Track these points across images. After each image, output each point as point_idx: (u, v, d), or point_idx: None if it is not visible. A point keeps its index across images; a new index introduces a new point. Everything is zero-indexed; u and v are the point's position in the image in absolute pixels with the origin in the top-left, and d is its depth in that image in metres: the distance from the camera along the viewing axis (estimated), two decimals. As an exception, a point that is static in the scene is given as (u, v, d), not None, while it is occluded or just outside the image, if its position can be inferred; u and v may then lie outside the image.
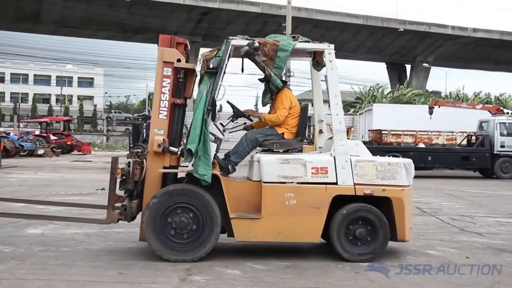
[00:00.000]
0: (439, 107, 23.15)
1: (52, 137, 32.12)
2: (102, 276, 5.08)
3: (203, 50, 55.34)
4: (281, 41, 6.04)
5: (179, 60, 5.90)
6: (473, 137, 21.57)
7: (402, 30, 49.57)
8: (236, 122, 6.47)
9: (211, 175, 5.68)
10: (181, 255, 5.66)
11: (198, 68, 6.28)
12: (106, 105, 72.71)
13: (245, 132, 6.60)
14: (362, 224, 5.94)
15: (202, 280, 5.03)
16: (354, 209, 5.92)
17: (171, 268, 5.45)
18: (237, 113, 6.38)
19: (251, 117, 6.64)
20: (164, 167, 5.85)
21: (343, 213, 5.89)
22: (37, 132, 33.76)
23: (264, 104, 6.86)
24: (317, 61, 6.57)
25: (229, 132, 6.40)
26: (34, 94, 68.61)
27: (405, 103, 40.01)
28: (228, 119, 6.35)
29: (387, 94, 47.16)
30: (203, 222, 5.69)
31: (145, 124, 31.74)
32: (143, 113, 41.89)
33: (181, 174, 6.07)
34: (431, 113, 22.71)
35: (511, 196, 14.09)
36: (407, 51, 50.79)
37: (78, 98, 72.07)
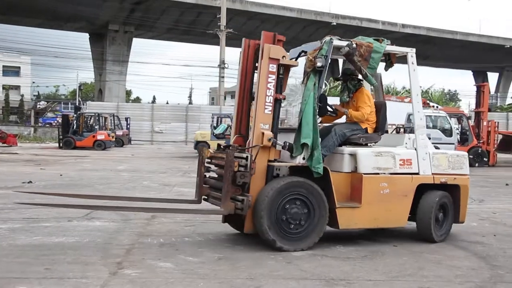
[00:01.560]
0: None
1: (-25, 129, 30.76)
2: (28, 272, 4.89)
3: (136, 40, 54.30)
4: (374, 44, 6.54)
5: (283, 57, 6.13)
6: (401, 130, 22.24)
7: (335, 24, 50.38)
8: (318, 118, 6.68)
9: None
10: (294, 244, 5.96)
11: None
12: (34, 95, 70.25)
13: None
14: (439, 209, 6.81)
15: (134, 274, 4.95)
16: (441, 196, 6.79)
17: (101, 262, 5.33)
18: (327, 109, 6.67)
19: (338, 112, 7.11)
20: (269, 161, 6.14)
21: (436, 200, 6.71)
22: (-41, 123, 32.22)
23: (342, 101, 7.29)
24: (391, 62, 7.02)
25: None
26: (-45, 83, 65.44)
27: (337, 96, 40.72)
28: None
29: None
30: (313, 212, 6.06)
31: (75, 115, 31.02)
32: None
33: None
34: None
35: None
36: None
37: (4, 88, 69.27)
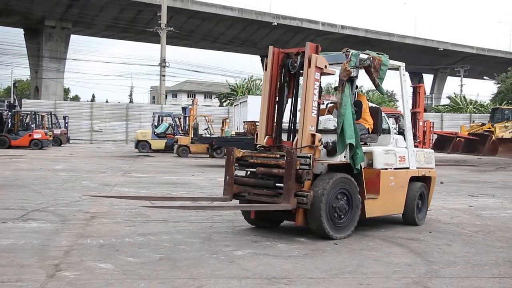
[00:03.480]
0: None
1: None
2: (-40, 276, 4.70)
3: (74, 37, 52.95)
4: (382, 57, 7.31)
5: (325, 66, 6.79)
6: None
7: (275, 24, 50.73)
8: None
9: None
10: (340, 232, 6.72)
11: None
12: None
13: None
14: (419, 197, 8.06)
15: (72, 276, 4.82)
16: (420, 186, 8.07)
17: (38, 264, 5.18)
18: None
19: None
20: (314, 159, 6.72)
21: (417, 190, 7.96)
22: None
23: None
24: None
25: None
26: None
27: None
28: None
29: (260, 85, 48.17)
30: (351, 204, 6.83)
31: (9, 113, 29.97)
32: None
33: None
34: None
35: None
36: (281, 45, 52.16)
37: None
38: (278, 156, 6.84)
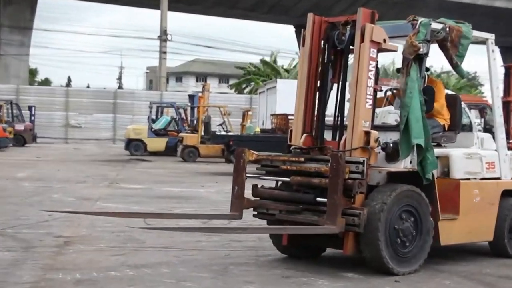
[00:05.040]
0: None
1: None
2: None
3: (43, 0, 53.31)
4: (463, 27, 7.20)
5: (384, 40, 6.70)
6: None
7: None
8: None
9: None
10: (405, 266, 6.64)
11: None
12: None
13: None
14: None
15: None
16: None
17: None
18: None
19: None
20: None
21: (510, 207, 7.74)
22: None
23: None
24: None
25: None
26: None
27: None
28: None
29: (295, 65, 48.01)
30: (420, 228, 6.75)
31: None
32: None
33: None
34: None
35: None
36: (323, 11, 52.12)
37: None
38: (320, 161, 6.79)
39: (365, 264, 6.68)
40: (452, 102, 7.85)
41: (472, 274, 6.97)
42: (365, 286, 6.23)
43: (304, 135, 7.08)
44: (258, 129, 26.54)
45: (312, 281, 6.34)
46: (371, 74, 6.68)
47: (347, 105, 6.91)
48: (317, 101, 7.16)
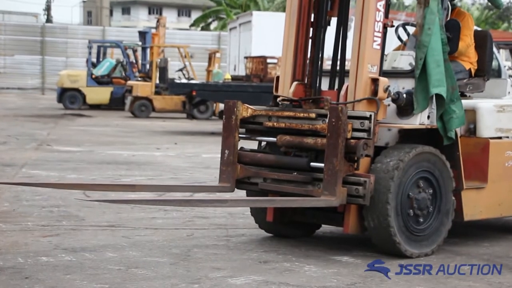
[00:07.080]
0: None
1: None
2: None
3: None
4: None
5: None
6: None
7: None
8: None
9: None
10: (418, 246, 6.75)
11: None
12: None
13: None
14: None
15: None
16: None
17: None
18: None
19: None
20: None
21: None
22: None
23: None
24: None
25: None
26: None
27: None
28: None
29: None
30: (439, 204, 6.86)
31: None
32: None
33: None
34: None
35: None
36: None
37: None
38: (314, 115, 6.74)
39: (367, 243, 6.76)
40: (481, 41, 7.77)
41: (497, 257, 7.04)
42: (363, 273, 6.25)
43: (295, 83, 7.06)
44: (228, 76, 26.54)
45: (296, 267, 6.39)
46: (380, 5, 6.65)
47: (349, 46, 6.87)
48: (310, 40, 7.15)
